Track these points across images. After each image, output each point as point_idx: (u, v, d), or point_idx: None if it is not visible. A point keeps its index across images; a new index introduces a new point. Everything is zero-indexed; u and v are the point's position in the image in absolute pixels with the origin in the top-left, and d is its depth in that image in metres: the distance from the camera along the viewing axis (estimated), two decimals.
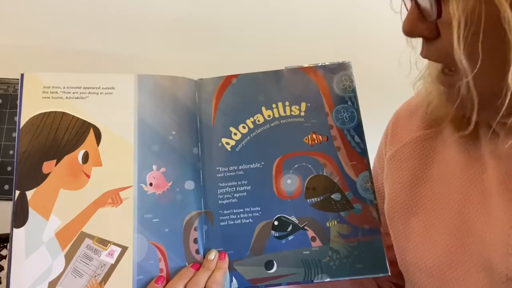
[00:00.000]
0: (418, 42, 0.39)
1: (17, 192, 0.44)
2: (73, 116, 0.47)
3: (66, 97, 0.47)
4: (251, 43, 1.69)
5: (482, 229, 0.40)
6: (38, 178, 0.45)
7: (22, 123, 0.46)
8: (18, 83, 1.60)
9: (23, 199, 0.44)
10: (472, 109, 0.35)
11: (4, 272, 0.95)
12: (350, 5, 1.67)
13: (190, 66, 1.61)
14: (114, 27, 1.69)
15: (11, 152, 1.64)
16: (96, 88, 0.48)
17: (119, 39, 1.69)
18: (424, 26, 0.36)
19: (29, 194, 0.44)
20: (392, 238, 0.48)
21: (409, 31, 0.37)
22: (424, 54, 0.39)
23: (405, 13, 0.38)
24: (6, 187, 1.62)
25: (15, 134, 1.64)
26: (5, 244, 1.23)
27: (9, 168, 1.63)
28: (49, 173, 0.45)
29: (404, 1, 0.39)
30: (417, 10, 0.36)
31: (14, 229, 0.43)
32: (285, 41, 1.67)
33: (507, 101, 0.32)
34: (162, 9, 1.69)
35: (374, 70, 1.48)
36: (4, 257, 1.23)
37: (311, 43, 1.67)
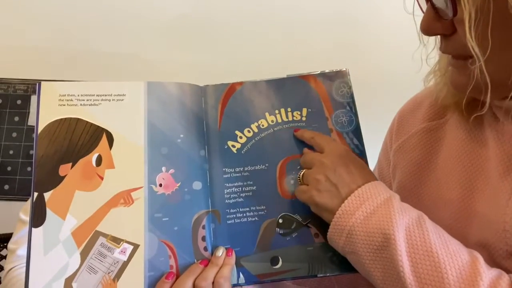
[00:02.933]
0: (430, 38, 0.44)
1: (35, 194, 0.48)
2: (87, 121, 0.51)
3: (81, 104, 0.51)
4: (251, 43, 1.73)
5: (482, 210, 0.43)
6: (55, 180, 0.49)
7: (40, 129, 0.50)
8: (18, 83, 1.64)
9: (41, 200, 0.48)
10: (486, 91, 0.38)
11: (4, 272, 0.98)
12: (351, 3, 1.72)
13: (190, 66, 1.65)
14: (115, 27, 1.73)
15: (11, 152, 1.68)
16: (108, 95, 0.52)
17: (120, 39, 1.73)
18: (440, 24, 0.40)
19: (47, 195, 0.48)
20: None
21: (427, 30, 0.41)
22: (443, 50, 0.43)
23: (417, 14, 0.43)
24: (6, 187, 1.65)
25: (15, 134, 1.67)
26: (5, 244, 1.26)
27: (9, 168, 1.66)
28: (65, 176, 0.49)
29: (418, 3, 0.43)
30: (433, 10, 0.40)
31: (33, 229, 0.47)
32: (285, 41, 1.72)
33: None
34: (162, 9, 1.74)
35: (374, 68, 1.52)
36: (4, 257, 1.25)
37: (311, 43, 1.71)
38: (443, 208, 0.48)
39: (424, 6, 0.42)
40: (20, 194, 1.65)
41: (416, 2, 0.43)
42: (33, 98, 1.75)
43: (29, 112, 1.73)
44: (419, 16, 0.42)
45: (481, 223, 0.43)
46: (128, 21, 1.72)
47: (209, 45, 1.73)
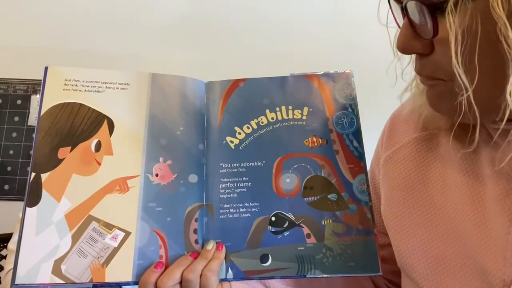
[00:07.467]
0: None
1: (33, 174, 0.51)
2: (90, 107, 0.54)
3: (85, 90, 0.54)
4: (251, 43, 1.78)
5: (477, 237, 0.43)
6: (53, 162, 0.51)
7: (43, 111, 0.53)
8: (17, 83, 1.72)
9: (37, 181, 0.51)
10: (475, 120, 0.37)
11: (4, 272, 1.01)
12: (351, 5, 1.76)
13: (190, 66, 1.70)
14: (115, 27, 1.79)
15: (11, 152, 1.74)
16: (113, 83, 0.55)
17: (120, 39, 1.79)
18: (418, 43, 0.39)
19: (44, 176, 0.51)
20: (390, 238, 0.53)
21: (404, 49, 0.40)
22: (418, 70, 0.42)
23: (391, 26, 0.42)
24: (6, 187, 1.70)
25: (15, 134, 1.73)
26: (5, 244, 1.29)
27: (9, 168, 1.72)
28: (63, 159, 0.52)
29: (395, 17, 0.42)
30: (410, 28, 0.38)
31: (27, 208, 0.49)
32: (285, 41, 1.76)
33: (506, 117, 0.35)
34: (162, 9, 1.79)
35: (373, 70, 1.55)
36: (4, 257, 1.29)
37: (311, 43, 1.75)
38: (434, 230, 0.47)
39: (401, 21, 0.40)
40: (20, 194, 1.69)
41: (391, 14, 0.42)
42: (33, 98, 1.82)
43: (29, 112, 1.80)
44: (394, 28, 0.42)
45: (477, 252, 0.42)
46: (128, 21, 1.79)
47: (209, 45, 1.78)
